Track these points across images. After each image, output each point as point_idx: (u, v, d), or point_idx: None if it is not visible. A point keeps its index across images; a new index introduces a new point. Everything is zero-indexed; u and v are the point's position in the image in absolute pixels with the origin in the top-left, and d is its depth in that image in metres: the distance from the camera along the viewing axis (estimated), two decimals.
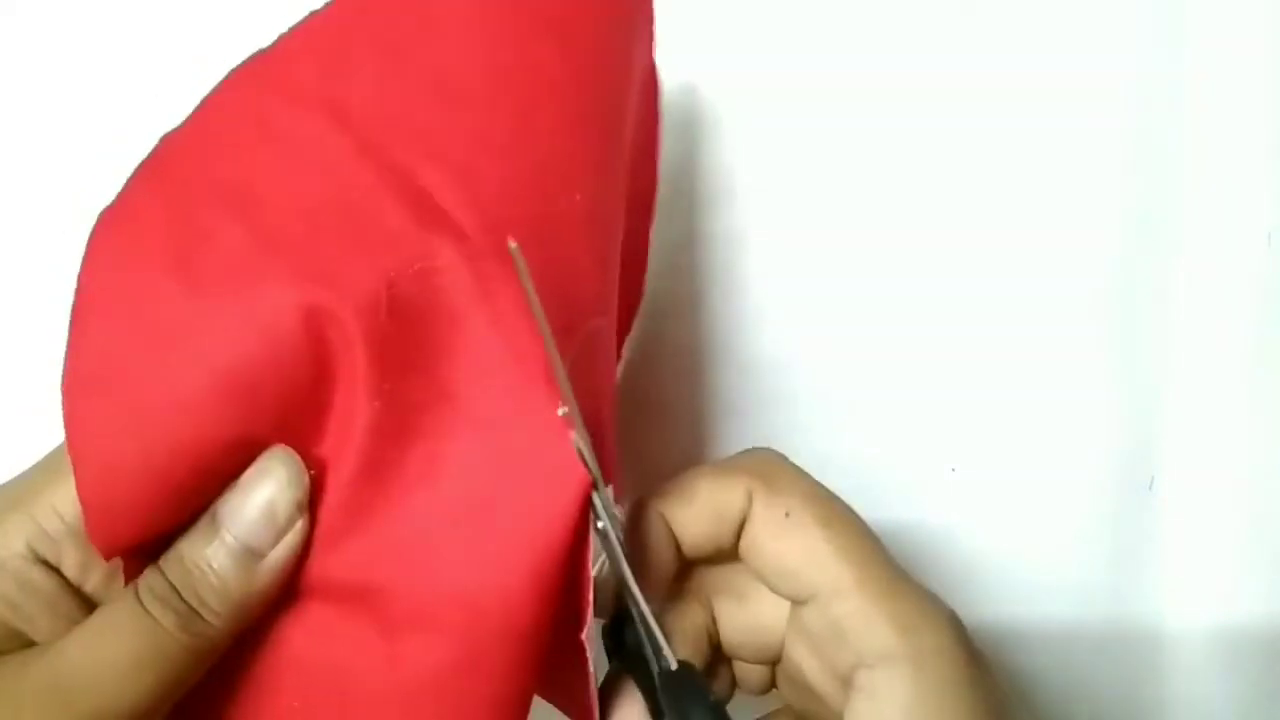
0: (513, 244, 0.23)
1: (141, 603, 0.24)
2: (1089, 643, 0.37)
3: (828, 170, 0.36)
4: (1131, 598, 0.37)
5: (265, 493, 0.24)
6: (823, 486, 0.27)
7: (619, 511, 0.27)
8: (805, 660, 0.27)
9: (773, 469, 0.27)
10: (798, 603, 0.26)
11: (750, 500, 0.27)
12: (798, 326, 0.36)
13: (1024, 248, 0.36)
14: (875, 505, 0.36)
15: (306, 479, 0.24)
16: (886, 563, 0.26)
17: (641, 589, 0.25)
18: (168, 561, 0.24)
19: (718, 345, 0.37)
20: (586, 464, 0.24)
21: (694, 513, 0.27)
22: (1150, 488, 0.37)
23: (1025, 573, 0.37)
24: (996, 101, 0.36)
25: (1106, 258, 0.36)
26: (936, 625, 0.25)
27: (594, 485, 0.24)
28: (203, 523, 0.24)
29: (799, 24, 0.36)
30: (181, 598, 0.24)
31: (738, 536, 0.27)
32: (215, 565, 0.24)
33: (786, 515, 0.26)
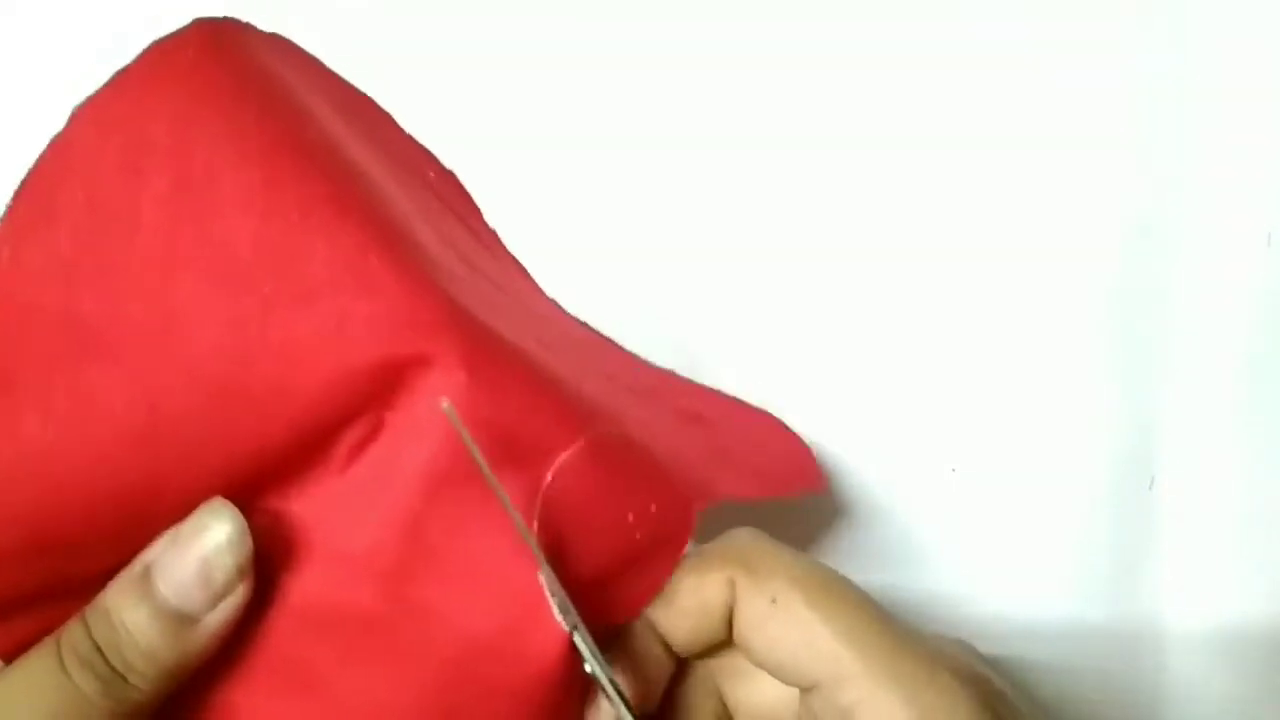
0: (444, 403, 0.22)
1: (62, 663, 0.22)
2: (1089, 642, 0.37)
3: (828, 170, 0.36)
4: (1131, 597, 0.37)
5: (199, 551, 0.22)
6: (809, 562, 0.25)
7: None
8: None
9: (753, 553, 0.25)
10: (804, 690, 0.25)
11: (734, 589, 0.25)
12: (798, 327, 0.36)
13: (1024, 248, 0.36)
14: (875, 505, 0.36)
15: (249, 541, 0.22)
16: (892, 635, 0.24)
17: (639, 698, 0.24)
18: (94, 616, 0.22)
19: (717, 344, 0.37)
20: (557, 611, 0.23)
21: (677, 614, 0.25)
22: (1150, 488, 0.37)
23: (1025, 572, 0.37)
24: (996, 103, 0.36)
25: (1106, 258, 0.36)
26: (954, 701, 0.23)
27: (573, 630, 0.23)
28: (133, 573, 0.23)
29: (800, 23, 0.36)
30: (106, 660, 0.22)
31: (729, 625, 0.25)
32: (143, 627, 0.22)
33: (773, 602, 0.24)
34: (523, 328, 0.27)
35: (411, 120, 0.32)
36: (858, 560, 0.36)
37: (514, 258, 0.32)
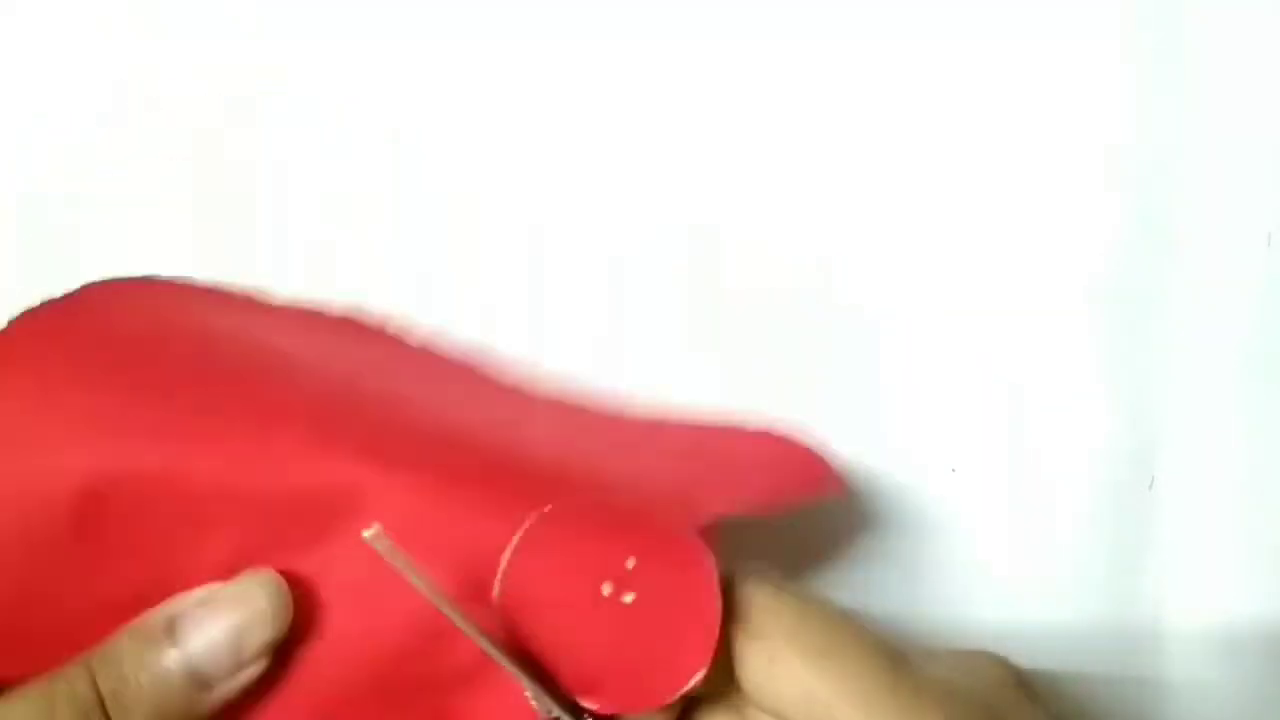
0: (367, 532, 0.21)
1: (53, 711, 0.21)
2: (1088, 642, 0.37)
3: (829, 171, 0.36)
4: (1131, 598, 0.37)
5: (237, 618, 0.22)
6: (810, 611, 0.24)
7: None
8: None
9: (751, 608, 0.24)
10: None
11: (732, 644, 0.24)
12: (798, 327, 0.36)
13: (1024, 247, 0.36)
14: (875, 505, 0.36)
15: (289, 617, 0.22)
16: (891, 690, 0.23)
17: None
18: (101, 664, 0.21)
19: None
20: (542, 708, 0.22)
21: None
22: (1150, 488, 0.37)
23: (1025, 572, 0.37)
24: (995, 102, 0.36)
25: (1106, 258, 0.36)
26: None
27: None
28: (153, 624, 0.22)
29: (800, 22, 0.36)
30: (106, 714, 0.21)
31: (730, 672, 0.24)
32: (160, 684, 0.21)
33: (770, 661, 0.23)
34: (456, 423, 0.27)
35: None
36: (857, 561, 0.36)
37: (460, 360, 0.32)
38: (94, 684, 0.21)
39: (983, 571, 0.37)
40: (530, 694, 0.22)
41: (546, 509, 0.23)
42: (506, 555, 0.23)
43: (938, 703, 0.23)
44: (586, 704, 0.24)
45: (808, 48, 0.36)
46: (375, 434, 0.25)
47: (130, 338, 0.27)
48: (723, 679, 0.24)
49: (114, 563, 0.23)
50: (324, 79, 0.35)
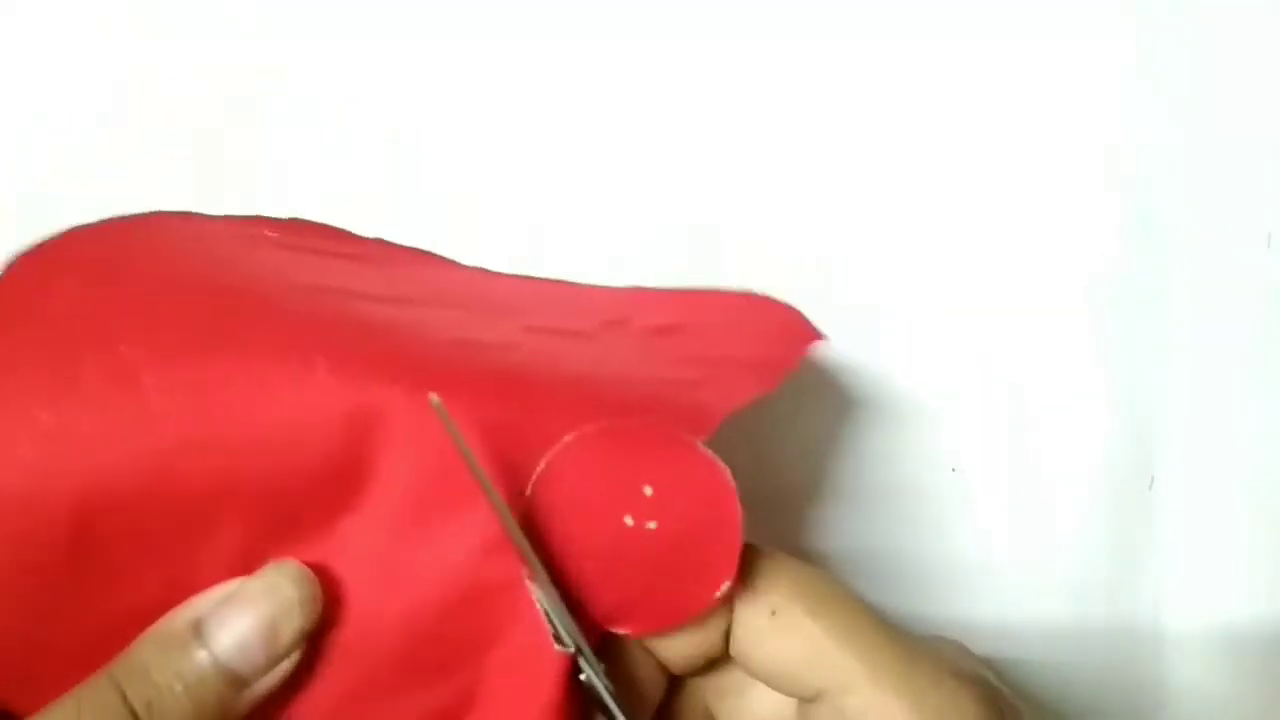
0: (434, 399, 0.21)
1: None
2: (1088, 642, 0.37)
3: (829, 171, 0.36)
4: (1131, 598, 0.37)
5: (267, 611, 0.21)
6: (807, 571, 0.25)
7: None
8: None
9: (750, 566, 0.24)
10: (805, 700, 0.24)
11: (732, 605, 0.24)
12: None
13: (1024, 247, 0.36)
14: (875, 506, 0.36)
15: (319, 605, 0.22)
16: (894, 642, 0.24)
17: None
18: (127, 674, 0.21)
19: None
20: (553, 623, 0.22)
21: (673, 632, 0.24)
22: (1150, 488, 0.37)
23: (1025, 572, 0.37)
24: (994, 102, 0.36)
25: (1106, 258, 0.36)
26: (959, 705, 0.23)
27: (576, 652, 0.22)
28: (177, 630, 0.21)
29: (800, 22, 0.36)
30: None
31: (726, 643, 0.24)
32: (194, 686, 0.20)
33: (773, 614, 0.24)
34: (449, 325, 0.26)
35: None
36: (857, 562, 0.36)
37: (411, 250, 0.31)
38: (123, 697, 0.20)
39: (983, 571, 0.37)
40: (553, 616, 0.22)
41: (561, 444, 0.23)
42: (530, 488, 0.23)
43: (930, 654, 0.23)
44: (618, 630, 0.24)
45: (808, 48, 0.36)
46: (398, 357, 0.24)
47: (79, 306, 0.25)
48: (716, 645, 0.24)
49: (120, 580, 0.23)
50: (324, 79, 0.35)
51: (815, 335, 0.28)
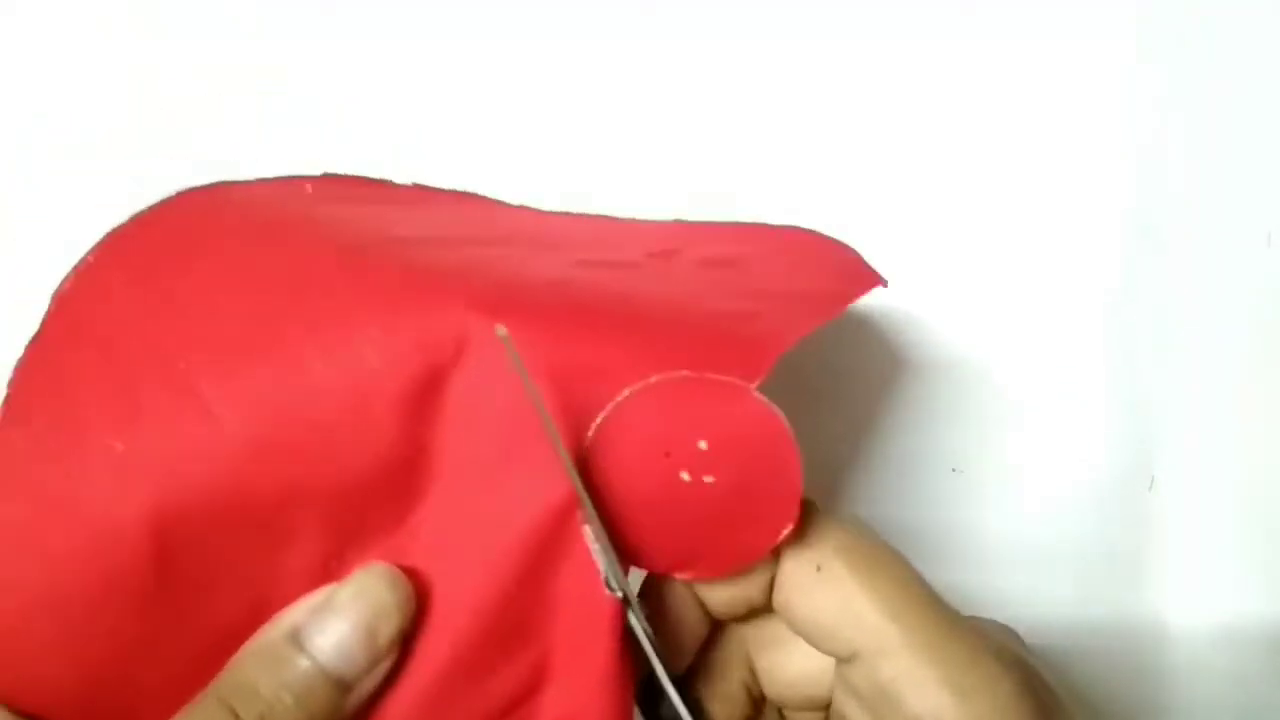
0: (501, 330, 0.21)
1: None
2: (1089, 642, 0.37)
3: (830, 171, 0.36)
4: (1132, 598, 0.37)
5: (364, 615, 0.21)
6: (861, 530, 0.24)
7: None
8: (856, 716, 0.24)
9: (802, 519, 0.24)
10: (842, 660, 0.24)
11: (778, 555, 0.24)
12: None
13: (1025, 249, 0.36)
14: (875, 505, 0.36)
15: (414, 603, 0.22)
16: (936, 612, 0.23)
17: (670, 661, 0.24)
18: (236, 693, 0.21)
19: None
20: (603, 569, 0.22)
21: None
22: (1150, 488, 0.37)
23: (1025, 572, 0.37)
24: (996, 104, 0.36)
25: (1106, 258, 0.36)
26: (995, 686, 0.22)
27: (623, 595, 0.22)
28: (277, 642, 0.21)
29: (805, 22, 0.36)
30: None
31: (769, 592, 0.25)
32: (302, 697, 0.21)
33: (818, 569, 0.23)
34: (518, 261, 0.26)
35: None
36: None
37: (455, 193, 0.31)
38: (236, 717, 0.21)
39: (983, 571, 0.37)
40: (603, 563, 0.22)
41: (620, 396, 0.23)
42: (590, 437, 0.23)
43: (971, 631, 0.23)
44: (680, 577, 0.24)
45: (812, 48, 0.36)
46: (478, 286, 0.24)
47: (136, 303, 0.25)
48: (759, 595, 0.24)
49: (206, 600, 0.23)
50: (324, 79, 0.35)
51: (875, 276, 0.27)
